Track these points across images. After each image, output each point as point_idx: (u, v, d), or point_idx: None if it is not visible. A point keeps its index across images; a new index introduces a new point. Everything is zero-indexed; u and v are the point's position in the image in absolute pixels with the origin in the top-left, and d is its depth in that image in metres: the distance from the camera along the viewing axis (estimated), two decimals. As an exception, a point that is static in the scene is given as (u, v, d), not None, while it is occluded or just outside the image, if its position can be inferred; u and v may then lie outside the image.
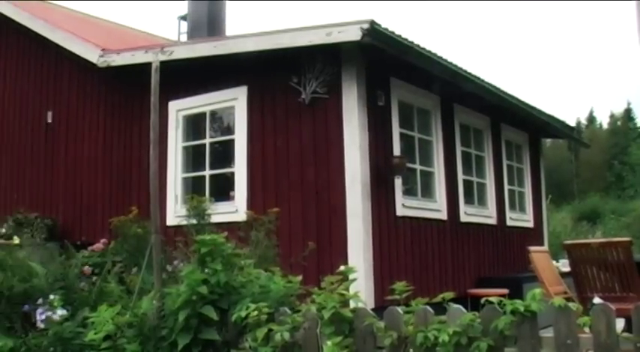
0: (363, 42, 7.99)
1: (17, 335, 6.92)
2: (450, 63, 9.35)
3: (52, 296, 6.68)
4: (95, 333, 5.64)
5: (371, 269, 8.46)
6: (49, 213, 11.86)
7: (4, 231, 11.37)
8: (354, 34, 7.96)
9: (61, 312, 6.48)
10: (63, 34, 11.80)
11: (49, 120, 12.28)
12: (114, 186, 11.07)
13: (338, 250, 8.44)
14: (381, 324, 4.57)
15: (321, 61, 8.74)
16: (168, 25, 65.33)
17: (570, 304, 4.15)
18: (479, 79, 10.10)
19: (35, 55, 12.93)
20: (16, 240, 10.24)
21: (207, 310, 5.14)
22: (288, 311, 5.00)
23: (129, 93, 11.06)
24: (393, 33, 8.25)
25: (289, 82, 9.02)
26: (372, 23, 7.85)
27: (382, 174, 8.93)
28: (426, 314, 4.42)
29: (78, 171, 11.71)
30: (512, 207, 13.06)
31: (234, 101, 9.68)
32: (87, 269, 8.28)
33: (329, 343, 4.49)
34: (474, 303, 8.85)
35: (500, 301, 4.26)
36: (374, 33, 7.96)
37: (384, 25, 8.10)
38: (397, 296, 4.75)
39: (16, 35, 13.29)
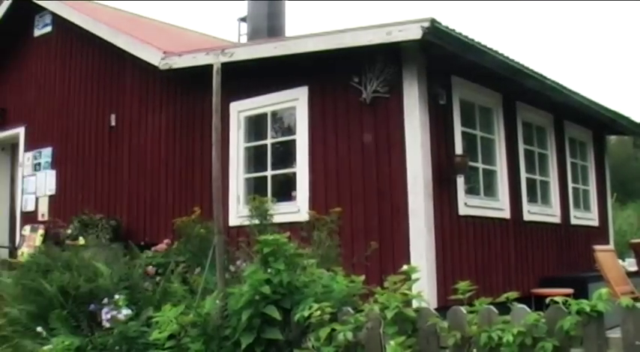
0: (424, 40, 7.96)
1: (83, 334, 7.05)
2: (512, 60, 9.25)
3: (117, 296, 6.78)
4: (159, 332, 5.71)
5: (433, 268, 8.41)
6: (113, 214, 12.02)
7: (69, 232, 11.56)
8: (414, 33, 7.93)
9: (125, 312, 6.58)
10: (125, 39, 11.95)
11: (113, 123, 12.45)
12: (176, 187, 11.18)
13: (400, 250, 8.42)
14: (445, 324, 4.56)
15: (382, 60, 8.72)
16: (228, 26, 65.64)
17: (638, 304, 4.08)
18: (541, 75, 9.98)
19: (98, 58, 13.11)
20: (82, 241, 10.42)
21: (270, 310, 5.17)
22: (351, 311, 5.00)
23: (190, 95, 11.16)
24: (453, 31, 8.19)
25: (350, 82, 9.01)
26: (433, 21, 7.80)
27: (444, 173, 8.87)
28: (489, 313, 4.39)
29: (141, 173, 11.86)
30: (577, 205, 12.88)
31: (295, 101, 9.71)
32: (151, 269, 8.39)
33: (392, 343, 4.49)
34: (537, 303, 8.75)
35: (566, 301, 4.22)
36: (434, 31, 7.91)
37: (444, 23, 8.05)
38: (460, 296, 4.73)
39: (80, 40, 13.50)
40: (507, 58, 9.16)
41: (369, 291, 5.22)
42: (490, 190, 10.19)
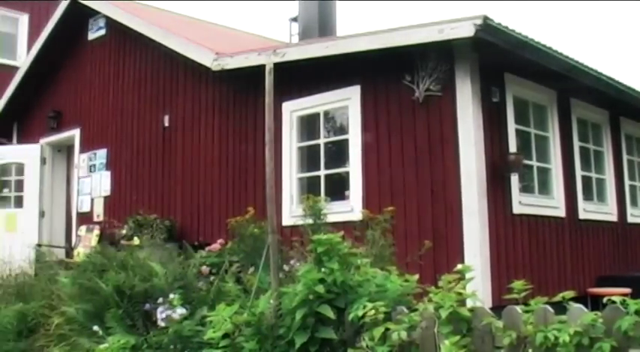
0: (476, 38, 7.90)
1: (138, 332, 7.11)
2: (566, 56, 9.14)
3: (171, 296, 6.82)
4: (214, 332, 5.74)
5: (488, 267, 8.34)
6: (167, 214, 12.12)
7: (124, 232, 11.68)
8: (466, 30, 7.87)
9: (180, 311, 6.62)
10: (178, 40, 12.04)
11: (166, 124, 12.55)
12: (230, 187, 11.23)
13: (454, 249, 8.37)
14: (500, 324, 4.51)
15: (434, 59, 8.67)
16: (279, 26, 65.77)
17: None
18: (596, 71, 9.85)
19: (151, 60, 13.24)
20: (137, 241, 10.52)
21: (324, 309, 5.18)
22: (405, 310, 4.98)
23: (242, 96, 11.20)
24: (506, 27, 8.12)
25: (402, 81, 8.98)
26: (485, 18, 7.75)
27: (498, 172, 8.80)
28: (545, 313, 4.34)
29: (195, 173, 11.93)
30: (634, 203, 12.67)
31: (348, 101, 9.70)
32: (205, 269, 8.44)
33: (446, 342, 4.46)
34: (594, 303, 8.65)
35: (623, 300, 4.15)
36: (487, 28, 7.85)
37: (496, 20, 7.98)
38: (516, 295, 4.68)
39: (132, 42, 13.64)
40: (561, 54, 9.06)
41: (423, 290, 5.19)
42: (545, 188, 10.08)
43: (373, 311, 4.89)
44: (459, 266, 5.08)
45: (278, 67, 6.70)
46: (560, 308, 4.41)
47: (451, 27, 8.05)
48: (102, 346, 6.80)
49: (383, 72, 9.36)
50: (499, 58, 8.81)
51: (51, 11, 16.43)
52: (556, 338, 4.15)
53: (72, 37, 15.28)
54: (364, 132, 9.47)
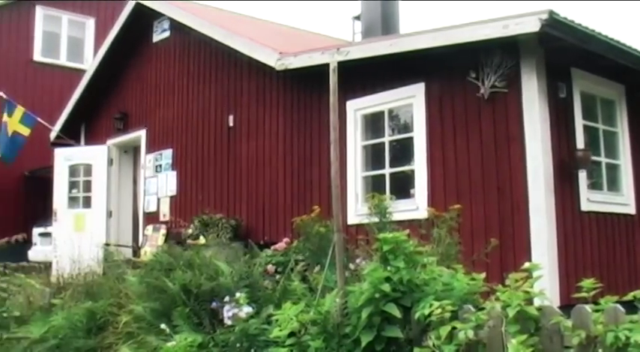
0: (542, 33, 7.80)
1: (205, 331, 7.17)
2: (635, 49, 8.96)
3: (238, 294, 6.87)
4: (280, 330, 5.75)
5: (555, 266, 8.23)
6: (232, 213, 12.20)
7: (190, 231, 11.79)
8: (532, 26, 7.77)
9: (246, 309, 6.66)
10: (242, 40, 12.10)
11: (231, 124, 12.63)
12: (295, 186, 11.26)
13: (521, 247, 8.27)
14: (569, 323, 4.43)
15: (499, 55, 8.58)
16: (341, 25, 65.81)
17: None
18: (666, 65, 9.65)
19: (215, 60, 13.33)
20: (203, 240, 10.61)
21: (390, 308, 5.15)
22: (472, 309, 4.93)
23: (306, 95, 11.22)
24: (572, 22, 8.00)
25: (467, 78, 8.91)
26: (551, 13, 7.63)
27: (565, 169, 8.67)
28: (616, 312, 4.25)
29: (260, 173, 11.98)
30: None
31: (412, 99, 9.65)
32: (270, 267, 8.50)
33: (513, 341, 4.40)
34: (667, 302, 8.47)
35: (698, 299, 4.05)
36: (553, 23, 7.74)
37: (562, 14, 7.87)
38: (585, 294, 4.60)
39: (196, 43, 13.75)
40: (630, 47, 8.89)
41: (490, 289, 5.14)
42: (614, 185, 9.90)
43: (440, 310, 4.85)
44: (527, 265, 5.01)
45: (341, 65, 6.69)
46: (630, 307, 4.33)
47: (516, 22, 7.96)
48: (169, 344, 6.87)
49: (447, 69, 9.30)
50: (565, 53, 8.67)
51: (116, 15, 16.70)
52: (627, 338, 4.06)
53: (137, 40, 15.48)
54: (429, 130, 9.42)
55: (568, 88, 8.99)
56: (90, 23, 22.40)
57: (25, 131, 16.32)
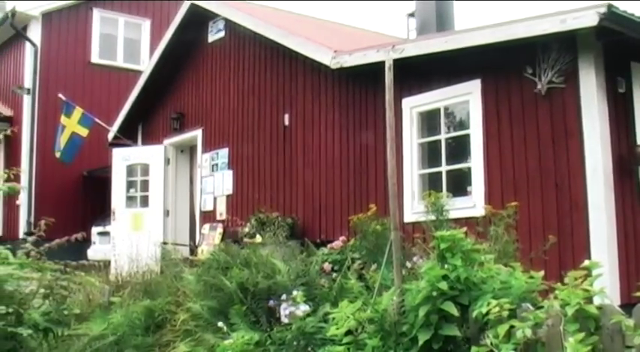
0: (600, 27, 7.68)
1: (262, 329, 7.20)
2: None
3: (294, 292, 6.89)
4: (337, 328, 5.76)
5: (615, 263, 8.10)
6: (289, 212, 12.23)
7: (247, 230, 11.84)
8: (590, 20, 7.66)
9: (303, 308, 6.67)
10: (297, 39, 12.14)
11: (286, 123, 12.67)
12: (351, 185, 11.25)
13: (580, 244, 8.16)
14: (631, 322, 4.36)
15: (556, 50, 8.48)
16: (395, 22, 65.59)
17: None
18: None
19: (270, 60, 13.38)
20: (259, 239, 10.65)
21: (447, 306, 5.13)
22: (531, 308, 4.88)
23: (361, 93, 11.21)
24: (632, 15, 7.86)
25: (524, 74, 8.81)
26: (610, 7, 7.51)
27: (625, 165, 8.53)
28: (679, 311, 4.18)
29: (315, 171, 12.00)
30: None
31: (468, 95, 9.58)
32: (327, 266, 8.50)
33: (571, 340, 4.34)
34: None
35: None
36: (612, 16, 7.61)
37: (621, 8, 7.74)
38: (646, 293, 4.53)
39: (251, 43, 13.82)
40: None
41: (549, 287, 5.09)
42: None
43: (497, 308, 4.80)
44: (586, 263, 4.94)
45: (396, 63, 6.67)
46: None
47: (574, 17, 7.86)
48: (226, 341, 6.91)
49: (503, 65, 9.21)
50: (624, 47, 8.53)
51: (171, 16, 16.87)
52: (690, 336, 4.00)
53: (192, 40, 15.60)
54: (486, 127, 9.34)
55: (627, 83, 8.83)
56: (146, 25, 22.64)
57: (84, 132, 16.58)
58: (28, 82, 20.67)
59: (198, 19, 15.17)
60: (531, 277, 5.34)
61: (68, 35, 21.44)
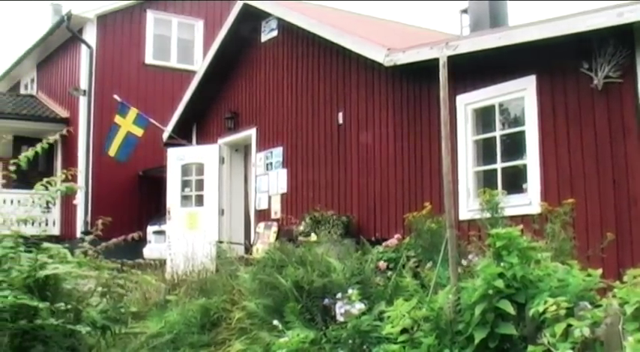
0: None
1: (317, 327, 7.21)
2: None
3: (349, 291, 6.89)
4: (392, 327, 5.75)
5: (676, 261, 7.98)
6: (343, 210, 12.23)
7: (302, 228, 11.88)
8: (648, 12, 7.55)
9: (358, 306, 6.67)
10: (350, 38, 12.14)
11: (340, 121, 12.67)
12: (405, 183, 11.21)
13: (639, 241, 8.03)
14: (691, 320, 4.30)
15: (613, 44, 8.34)
16: (448, 19, 65.25)
17: None
18: None
19: (323, 58, 13.39)
20: (314, 237, 10.66)
21: (503, 304, 5.09)
22: (589, 306, 4.82)
23: (415, 90, 11.16)
24: (691, 6, 7.73)
25: (579, 68, 8.70)
26: (668, -2, 7.41)
27: (685, 160, 8.39)
28: None
29: (370, 169, 11.98)
30: None
31: (523, 92, 9.48)
32: (382, 264, 8.49)
33: (630, 339, 4.28)
34: None
35: None
36: (670, 8, 7.50)
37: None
38: None
39: (304, 42, 13.86)
40: None
41: (607, 285, 5.03)
42: None
43: (554, 307, 4.75)
44: (646, 260, 4.87)
45: (450, 60, 6.64)
46: None
47: (630, 10, 7.73)
48: (282, 340, 6.93)
49: (558, 60, 9.11)
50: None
51: (224, 16, 16.97)
52: None
53: (245, 40, 15.67)
54: (541, 123, 9.24)
55: (688, 77, 8.68)
56: (199, 25, 22.81)
57: (139, 132, 16.75)
58: (83, 84, 20.99)
59: (251, 18, 15.24)
60: (589, 275, 5.29)
61: (123, 37, 21.70)
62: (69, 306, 6.60)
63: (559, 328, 4.68)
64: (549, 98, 9.19)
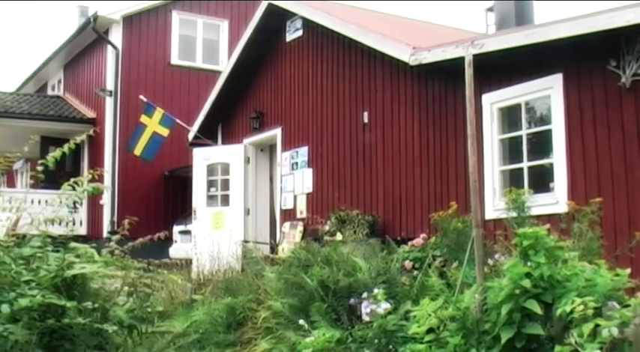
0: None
1: (343, 326, 7.20)
2: None
3: (375, 290, 6.88)
4: (418, 326, 5.74)
5: None
6: (369, 209, 12.22)
7: (327, 228, 11.87)
8: (677, 8, 7.48)
9: (384, 305, 6.65)
10: (375, 37, 12.13)
11: (365, 121, 12.66)
12: (431, 182, 11.18)
13: (668, 241, 7.97)
14: None
15: (641, 41, 8.29)
16: (473, 17, 65.08)
17: None
18: None
19: (348, 58, 13.38)
20: (339, 237, 10.66)
21: (530, 304, 5.06)
22: (617, 306, 4.79)
23: (440, 89, 11.13)
24: None
25: (607, 66, 8.63)
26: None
27: None
28: None
29: (395, 168, 11.96)
30: None
31: (550, 90, 9.42)
32: (408, 263, 8.48)
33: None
34: None
35: None
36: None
37: None
38: None
39: (329, 41, 13.85)
40: None
41: (635, 285, 4.99)
42: None
43: (582, 307, 4.72)
44: (675, 259, 4.84)
45: (476, 58, 6.62)
46: None
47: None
48: (307, 339, 6.93)
49: (585, 58, 9.04)
50: None
51: (249, 16, 17.01)
52: None
53: (270, 40, 15.71)
54: (568, 122, 9.17)
55: None
56: (224, 25, 22.88)
57: (164, 132, 16.86)
58: (110, 84, 21.12)
59: (276, 18, 15.27)
60: (617, 275, 5.24)
61: (148, 37, 21.80)
62: (96, 305, 6.63)
63: (587, 328, 4.65)
64: (576, 96, 9.13)
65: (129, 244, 7.65)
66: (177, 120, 17.27)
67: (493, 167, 10.06)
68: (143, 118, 16.93)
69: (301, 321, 7.37)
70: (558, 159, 9.23)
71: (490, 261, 6.82)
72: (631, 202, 8.38)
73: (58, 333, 6.51)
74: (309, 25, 14.43)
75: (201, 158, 16.42)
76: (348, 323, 7.25)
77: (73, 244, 7.18)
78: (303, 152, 14.37)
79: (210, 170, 16.35)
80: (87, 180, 7.76)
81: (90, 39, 22.26)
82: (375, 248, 9.13)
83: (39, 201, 15.27)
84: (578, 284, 5.15)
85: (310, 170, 14.10)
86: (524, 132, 9.89)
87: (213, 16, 22.79)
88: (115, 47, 21.15)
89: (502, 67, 9.94)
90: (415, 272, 8.02)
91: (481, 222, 6.51)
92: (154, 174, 20.90)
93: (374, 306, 6.68)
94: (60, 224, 7.39)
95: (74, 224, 20.23)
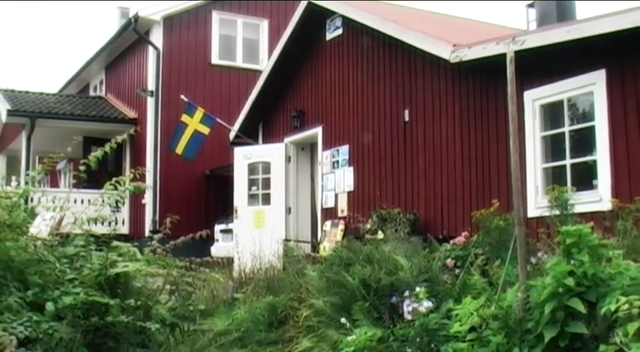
0: None
1: (384, 325, 7.19)
2: None
3: (417, 289, 6.86)
4: (460, 325, 5.71)
5: None
6: (410, 208, 12.19)
7: (368, 226, 11.86)
8: None
9: (426, 304, 6.63)
10: (415, 35, 12.10)
11: (406, 119, 12.63)
12: (472, 180, 11.12)
13: None
14: None
15: (686, 36, 8.18)
16: (514, 13, 64.64)
17: None
18: None
19: (388, 56, 13.36)
20: (381, 235, 10.64)
21: (574, 303, 5.01)
22: (663, 305, 4.72)
23: (481, 86, 11.07)
24: None
25: (652, 61, 8.54)
26: None
27: None
28: None
29: (437, 167, 11.92)
30: None
31: (593, 86, 9.32)
32: (449, 262, 8.44)
33: None
34: None
35: None
36: None
37: None
38: None
39: (369, 39, 13.83)
40: None
41: (682, 284, 4.92)
42: None
43: (627, 306, 4.66)
44: None
45: (517, 55, 6.57)
46: None
47: None
48: (349, 338, 6.92)
49: (629, 54, 8.93)
50: None
51: (289, 15, 17.05)
52: None
53: (310, 39, 15.73)
54: (611, 118, 9.07)
55: None
56: (264, 25, 22.93)
57: (205, 130, 16.96)
58: (151, 85, 21.27)
59: (316, 17, 15.28)
60: (663, 273, 5.18)
61: (189, 38, 21.91)
62: (139, 303, 6.70)
63: (632, 327, 4.59)
64: (620, 92, 9.02)
65: (171, 243, 7.71)
66: (218, 120, 17.36)
67: (535, 164, 9.98)
68: (184, 118, 17.05)
69: (343, 320, 7.36)
70: (601, 156, 9.13)
71: (533, 260, 6.78)
72: (676, 199, 8.28)
73: (101, 331, 6.59)
74: (348, 23, 14.43)
75: (242, 157, 16.48)
76: (390, 321, 7.23)
77: (115, 243, 7.26)
78: (343, 150, 14.37)
79: (251, 169, 16.40)
80: (129, 179, 7.83)
81: (131, 40, 22.46)
82: (416, 246, 9.09)
83: (82, 201, 15.45)
84: (623, 283, 5.09)
85: (351, 168, 14.09)
86: (566, 129, 9.80)
87: (252, 15, 22.86)
88: (155, 47, 21.30)
89: (544, 64, 9.86)
90: (457, 271, 7.98)
91: (523, 220, 6.45)
92: (195, 174, 21.01)
93: (416, 305, 6.66)
94: (102, 223, 7.48)
95: (116, 223, 20.40)
